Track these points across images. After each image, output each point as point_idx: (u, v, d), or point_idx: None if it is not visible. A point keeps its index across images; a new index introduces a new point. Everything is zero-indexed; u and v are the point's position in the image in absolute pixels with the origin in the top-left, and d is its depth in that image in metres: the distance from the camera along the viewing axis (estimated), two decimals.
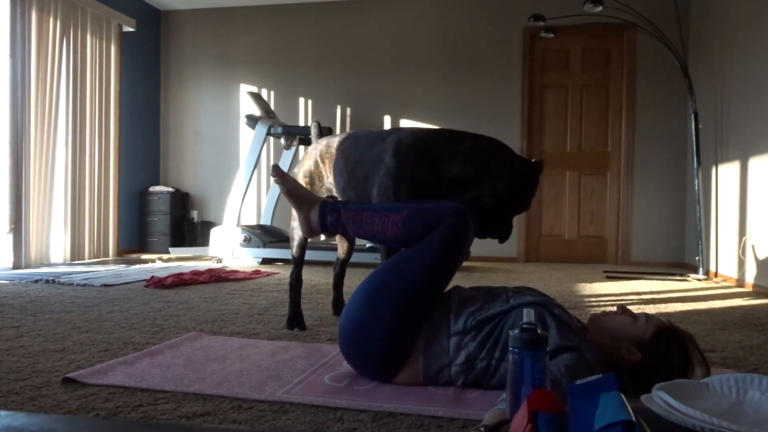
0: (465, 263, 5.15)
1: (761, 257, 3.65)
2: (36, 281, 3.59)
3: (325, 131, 4.93)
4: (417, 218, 1.56)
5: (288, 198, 1.73)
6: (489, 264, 5.27)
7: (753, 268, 3.76)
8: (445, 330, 1.50)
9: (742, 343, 2.18)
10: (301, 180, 2.30)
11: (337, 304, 2.58)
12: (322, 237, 1.63)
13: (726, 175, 4.26)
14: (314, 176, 2.26)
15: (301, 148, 5.84)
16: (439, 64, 5.67)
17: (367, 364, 1.55)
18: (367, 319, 1.52)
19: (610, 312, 1.55)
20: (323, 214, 1.65)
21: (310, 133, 4.95)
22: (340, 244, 2.60)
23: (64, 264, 4.71)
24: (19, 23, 4.40)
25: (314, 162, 2.26)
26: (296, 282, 2.36)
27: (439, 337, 1.50)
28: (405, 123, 5.73)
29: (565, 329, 1.43)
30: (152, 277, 3.63)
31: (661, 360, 1.44)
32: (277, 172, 1.76)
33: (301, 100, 5.95)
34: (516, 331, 1.20)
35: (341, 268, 2.59)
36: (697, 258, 4.49)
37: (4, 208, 4.37)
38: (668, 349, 1.46)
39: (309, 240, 2.37)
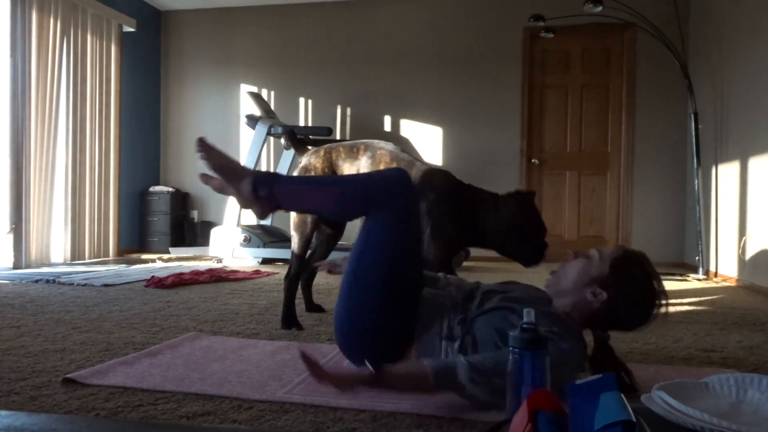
0: (465, 263, 5.15)
1: (761, 257, 3.65)
2: (36, 281, 3.59)
3: (324, 132, 4.92)
4: (353, 194, 1.56)
5: (217, 173, 1.61)
6: (489, 264, 5.27)
7: (753, 268, 3.76)
8: (437, 332, 1.52)
9: (742, 343, 2.18)
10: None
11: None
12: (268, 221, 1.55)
13: (726, 175, 4.26)
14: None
15: None
16: (439, 64, 5.67)
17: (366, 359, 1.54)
18: (356, 318, 1.53)
19: (564, 261, 1.52)
20: (256, 187, 1.58)
21: (311, 134, 4.97)
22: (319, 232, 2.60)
23: (65, 264, 4.71)
24: (20, 23, 4.40)
25: (329, 164, 2.33)
26: (295, 280, 2.36)
27: (432, 340, 1.52)
28: (405, 123, 5.73)
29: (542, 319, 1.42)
30: (152, 277, 3.63)
31: (628, 290, 1.43)
32: (203, 145, 1.60)
33: (301, 100, 5.95)
34: (516, 331, 1.20)
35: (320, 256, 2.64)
36: (697, 258, 4.49)
37: (5, 208, 4.37)
38: (630, 276, 1.44)
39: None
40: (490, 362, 1.31)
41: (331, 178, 1.65)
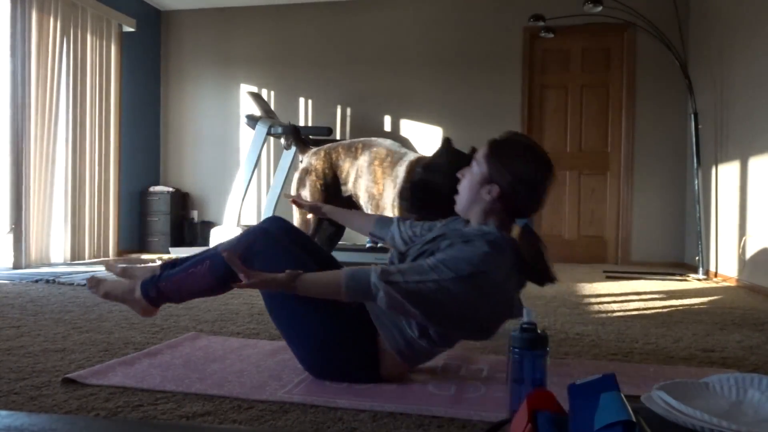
0: None
1: (761, 257, 3.65)
2: (36, 281, 3.59)
3: (324, 132, 4.92)
4: (221, 262, 1.61)
5: (109, 299, 1.75)
6: None
7: (753, 268, 3.76)
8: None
9: (742, 343, 2.18)
10: (316, 184, 2.34)
11: None
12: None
13: (726, 175, 4.26)
14: (328, 179, 2.33)
15: None
16: (439, 64, 5.67)
17: (349, 379, 1.56)
18: (323, 359, 1.54)
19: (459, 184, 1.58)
20: (145, 293, 1.68)
21: (311, 134, 4.96)
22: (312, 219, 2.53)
23: (65, 264, 4.71)
24: (20, 23, 4.40)
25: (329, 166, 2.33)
26: None
27: (390, 321, 1.51)
28: (405, 123, 5.72)
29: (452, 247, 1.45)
30: None
31: (512, 171, 1.48)
32: (91, 284, 1.76)
33: (301, 100, 5.95)
34: (516, 331, 1.20)
35: None
36: (697, 258, 4.49)
37: (4, 208, 4.37)
38: (507, 159, 1.50)
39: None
40: (406, 266, 1.41)
41: (201, 254, 1.68)
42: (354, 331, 1.52)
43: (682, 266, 5.18)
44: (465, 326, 1.47)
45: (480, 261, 1.39)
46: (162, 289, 1.67)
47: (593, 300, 3.18)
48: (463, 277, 1.38)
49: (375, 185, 2.24)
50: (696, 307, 3.02)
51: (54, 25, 4.69)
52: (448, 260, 1.40)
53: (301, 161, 2.45)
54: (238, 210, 5.16)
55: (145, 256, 5.44)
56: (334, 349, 1.53)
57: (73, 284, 3.49)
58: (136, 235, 5.91)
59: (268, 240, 1.59)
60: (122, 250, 5.64)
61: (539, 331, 1.19)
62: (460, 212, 1.59)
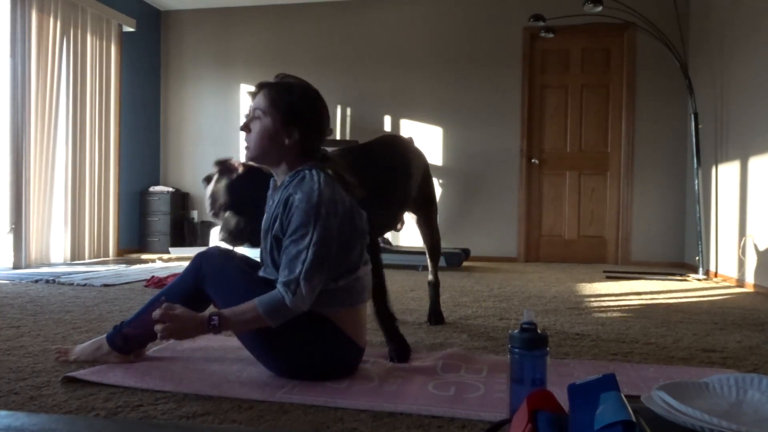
0: (465, 263, 5.15)
1: (761, 257, 3.65)
2: (36, 281, 3.59)
3: None
4: (175, 298, 1.63)
5: (86, 364, 1.71)
6: (489, 264, 5.27)
7: (753, 268, 3.76)
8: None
9: (742, 343, 2.18)
10: None
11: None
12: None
13: (726, 174, 4.26)
14: None
15: None
16: (439, 64, 5.67)
17: (336, 369, 1.60)
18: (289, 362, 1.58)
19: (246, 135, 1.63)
20: (112, 344, 1.70)
21: None
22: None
23: (64, 264, 4.71)
24: (20, 23, 4.39)
25: None
26: None
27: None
28: (405, 123, 5.72)
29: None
30: (152, 277, 3.63)
31: (304, 110, 1.59)
32: (61, 352, 1.77)
33: None
34: (516, 331, 1.20)
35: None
36: (697, 258, 4.49)
37: (4, 208, 4.37)
38: (299, 102, 1.59)
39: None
40: (285, 270, 1.45)
41: (156, 296, 1.71)
42: (304, 324, 1.52)
43: (682, 266, 5.18)
44: (357, 239, 1.58)
45: (308, 205, 1.46)
46: (127, 336, 1.69)
47: (593, 300, 3.18)
48: (314, 222, 1.45)
49: None
50: (696, 307, 3.02)
51: (54, 25, 4.69)
52: (295, 230, 1.46)
53: None
54: None
55: (145, 256, 5.44)
56: (300, 350, 1.55)
57: (73, 284, 3.49)
58: (136, 235, 5.90)
59: (212, 259, 1.64)
60: (122, 250, 5.65)
61: (539, 331, 1.19)
62: (258, 160, 1.60)
